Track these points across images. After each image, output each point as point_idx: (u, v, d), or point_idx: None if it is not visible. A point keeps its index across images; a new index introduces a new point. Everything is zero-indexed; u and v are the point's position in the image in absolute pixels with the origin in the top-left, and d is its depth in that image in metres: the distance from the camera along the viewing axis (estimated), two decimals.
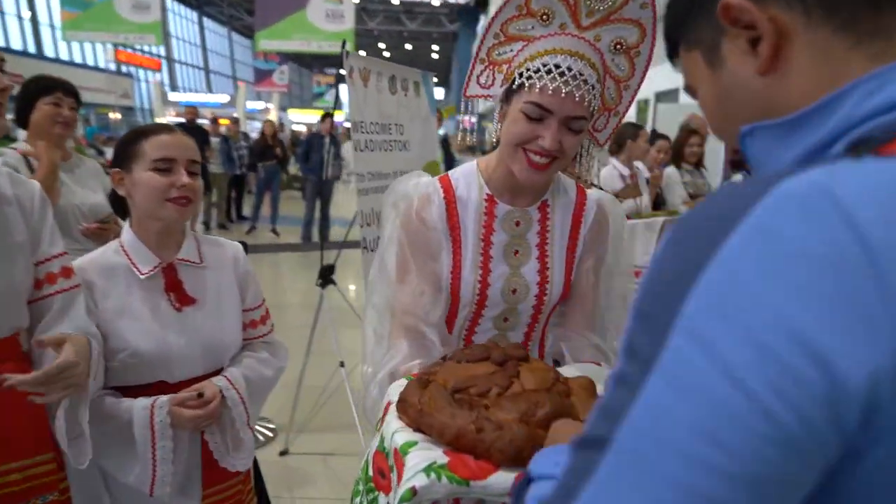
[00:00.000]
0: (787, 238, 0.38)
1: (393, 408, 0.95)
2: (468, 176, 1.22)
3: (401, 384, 1.02)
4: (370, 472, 0.95)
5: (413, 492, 0.78)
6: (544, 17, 1.08)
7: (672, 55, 0.64)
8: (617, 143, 3.80)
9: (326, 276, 3.31)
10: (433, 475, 0.79)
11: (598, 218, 1.26)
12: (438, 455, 0.82)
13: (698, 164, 4.25)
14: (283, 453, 2.95)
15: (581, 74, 1.04)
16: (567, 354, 1.22)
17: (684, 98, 6.78)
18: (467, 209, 1.19)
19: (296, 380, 3.06)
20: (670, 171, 4.17)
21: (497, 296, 1.20)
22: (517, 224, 1.21)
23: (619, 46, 1.11)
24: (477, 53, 1.16)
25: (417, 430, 0.88)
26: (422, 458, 0.82)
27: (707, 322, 0.38)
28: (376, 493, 0.92)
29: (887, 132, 0.43)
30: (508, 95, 1.11)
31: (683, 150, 4.19)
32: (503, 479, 0.79)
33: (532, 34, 1.10)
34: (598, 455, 0.42)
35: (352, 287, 5.36)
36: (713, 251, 0.39)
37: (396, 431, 0.89)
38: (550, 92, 1.03)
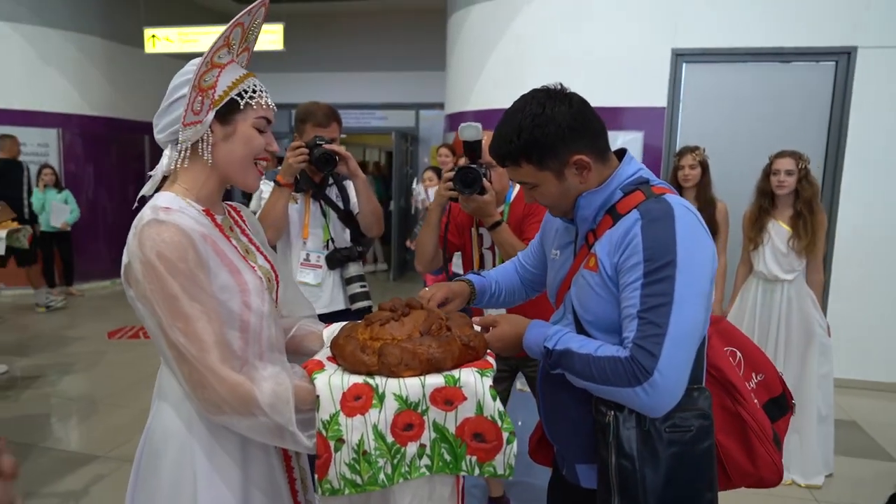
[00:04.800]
0: (692, 223, 1.20)
1: (383, 380, 1.16)
2: (174, 201, 1.20)
3: (307, 385, 1.15)
4: (388, 440, 1.14)
5: (495, 389, 1.17)
6: (231, 46, 1.23)
7: (512, 164, 1.29)
8: None
9: None
10: (488, 373, 1.19)
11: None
12: (470, 369, 1.19)
13: None
14: None
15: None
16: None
17: None
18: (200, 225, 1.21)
19: None
20: None
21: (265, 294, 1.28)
22: (231, 229, 1.31)
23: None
24: (195, 81, 1.17)
25: (424, 372, 1.17)
26: (472, 373, 1.17)
27: (688, 264, 1.13)
28: (402, 448, 1.15)
29: (642, 182, 1.27)
30: (226, 118, 1.21)
31: None
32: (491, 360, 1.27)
33: (222, 62, 1.21)
34: (665, 313, 1.11)
35: None
36: (674, 235, 1.14)
37: (424, 381, 1.15)
38: (271, 107, 1.27)
